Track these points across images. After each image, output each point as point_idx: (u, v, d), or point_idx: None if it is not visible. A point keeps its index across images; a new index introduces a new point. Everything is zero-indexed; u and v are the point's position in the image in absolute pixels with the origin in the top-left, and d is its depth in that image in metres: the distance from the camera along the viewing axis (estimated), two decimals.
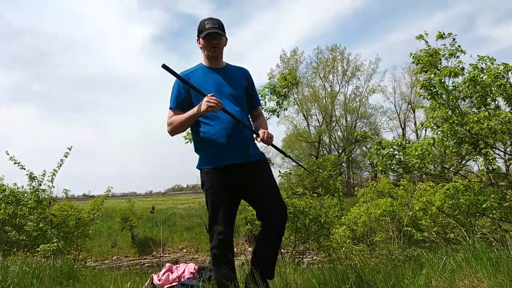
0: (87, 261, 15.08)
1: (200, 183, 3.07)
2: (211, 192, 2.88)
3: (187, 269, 4.56)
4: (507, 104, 5.04)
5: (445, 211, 5.86)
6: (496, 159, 5.13)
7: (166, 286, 4.17)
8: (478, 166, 5.57)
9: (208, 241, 2.99)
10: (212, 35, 2.89)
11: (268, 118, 7.22)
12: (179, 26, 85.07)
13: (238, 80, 3.07)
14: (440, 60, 5.25)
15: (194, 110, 2.79)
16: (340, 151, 42.22)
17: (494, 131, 4.88)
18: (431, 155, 5.43)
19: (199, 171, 3.00)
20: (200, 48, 3.02)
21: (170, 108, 2.97)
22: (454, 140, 5.03)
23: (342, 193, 10.99)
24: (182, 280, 4.30)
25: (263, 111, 5.15)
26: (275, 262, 2.96)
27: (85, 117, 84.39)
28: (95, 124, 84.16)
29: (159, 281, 4.25)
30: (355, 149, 43.11)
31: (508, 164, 5.44)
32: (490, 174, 5.10)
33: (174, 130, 2.95)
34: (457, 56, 5.13)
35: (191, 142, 9.47)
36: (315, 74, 42.40)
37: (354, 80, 42.38)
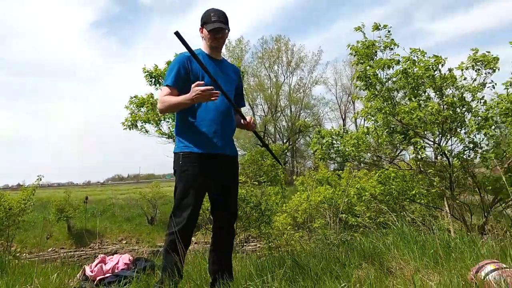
0: (22, 253, 14.30)
1: (172, 169, 2.94)
2: (185, 176, 2.80)
3: (121, 260, 4.43)
4: (437, 96, 5.32)
5: (377, 197, 6.12)
6: (425, 148, 5.41)
7: (98, 278, 4.02)
8: (409, 155, 5.87)
9: (165, 227, 2.92)
10: (218, 30, 2.89)
11: None
12: (119, 11, 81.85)
13: (232, 76, 3.11)
14: (376, 52, 5.43)
15: (186, 97, 2.70)
16: (284, 140, 42.89)
17: (423, 122, 5.14)
18: (365, 144, 5.63)
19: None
20: (202, 36, 3.00)
21: (167, 85, 2.87)
22: (386, 130, 5.24)
23: (284, 182, 11.19)
24: (116, 271, 4.17)
25: None
26: (231, 264, 3.12)
27: (20, 104, 79.36)
28: (31, 111, 79.40)
29: (92, 273, 4.09)
30: (299, 139, 43.98)
31: (436, 152, 5.76)
32: (419, 162, 5.38)
33: (165, 110, 2.89)
34: (391, 48, 5.33)
35: (130, 129, 9.26)
36: (260, 64, 42.66)
37: (298, 71, 43.18)
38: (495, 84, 5.14)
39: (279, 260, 3.70)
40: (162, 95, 2.89)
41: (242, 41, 41.05)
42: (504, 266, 2.60)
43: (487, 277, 2.50)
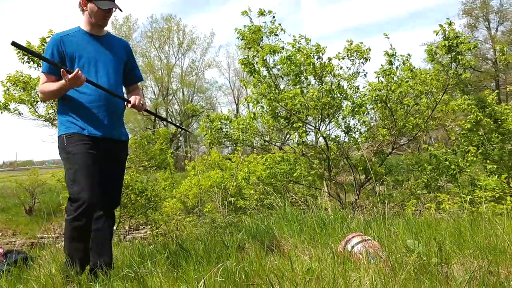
0: None
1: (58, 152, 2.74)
2: (71, 157, 2.59)
3: None
4: (317, 83, 5.66)
5: (264, 180, 6.37)
6: (307, 132, 5.75)
7: None
8: (292, 139, 6.19)
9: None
10: (110, 9, 2.70)
11: None
12: None
13: (118, 52, 2.89)
14: (262, 37, 5.56)
15: (62, 83, 2.53)
16: (177, 125, 42.20)
17: (305, 107, 5.44)
18: (252, 129, 5.79)
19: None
20: (84, 10, 2.74)
21: (43, 72, 2.70)
22: (272, 115, 5.45)
23: (176, 167, 11.06)
24: None
25: None
26: (112, 252, 2.94)
27: None
28: None
29: None
30: (192, 123, 43.63)
31: (316, 137, 6.16)
32: (301, 146, 5.70)
33: (46, 99, 2.91)
34: (276, 34, 5.51)
35: (1, 113, 8.28)
36: (150, 43, 41.09)
37: (190, 53, 42.51)
38: (367, 73, 5.68)
39: (163, 246, 3.67)
40: (40, 83, 2.73)
41: (130, 18, 39.14)
42: (367, 238, 2.89)
43: (353, 249, 2.76)
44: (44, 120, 8.51)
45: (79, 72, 2.49)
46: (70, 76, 2.47)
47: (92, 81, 2.63)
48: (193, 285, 1.99)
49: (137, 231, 13.45)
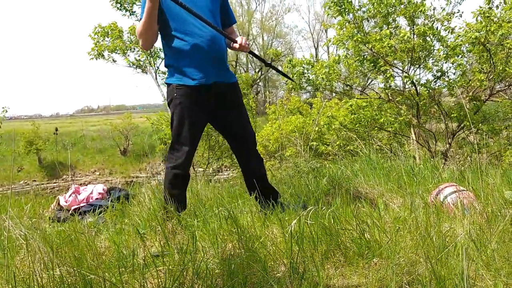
0: None
1: (166, 100, 2.82)
2: (179, 109, 2.67)
3: (95, 190, 4.46)
4: (408, 24, 5.28)
5: (347, 126, 6.25)
6: (394, 77, 5.47)
7: (73, 207, 4.07)
8: (378, 84, 5.93)
9: (166, 160, 2.84)
10: None
11: None
12: None
13: None
14: None
15: (147, 5, 2.50)
16: (257, 70, 42.33)
17: (393, 50, 5.14)
18: (335, 73, 5.63)
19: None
20: None
21: (140, 20, 2.64)
22: (357, 58, 5.23)
23: (255, 111, 11.24)
24: (90, 200, 4.23)
25: None
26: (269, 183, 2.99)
27: None
28: None
29: (66, 203, 4.13)
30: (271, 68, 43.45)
31: (404, 81, 5.84)
32: (387, 91, 5.45)
33: (144, 38, 2.65)
34: None
35: (96, 59, 8.96)
36: None
37: None
38: (462, 12, 5.16)
39: None
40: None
41: None
42: (462, 188, 2.75)
43: (446, 199, 2.66)
44: (135, 68, 9.05)
45: None
46: None
47: (206, 21, 2.57)
48: (284, 226, 2.07)
49: (220, 173, 14.14)
